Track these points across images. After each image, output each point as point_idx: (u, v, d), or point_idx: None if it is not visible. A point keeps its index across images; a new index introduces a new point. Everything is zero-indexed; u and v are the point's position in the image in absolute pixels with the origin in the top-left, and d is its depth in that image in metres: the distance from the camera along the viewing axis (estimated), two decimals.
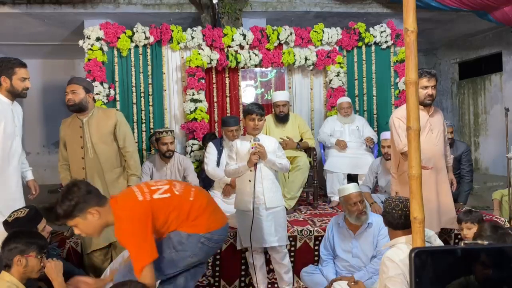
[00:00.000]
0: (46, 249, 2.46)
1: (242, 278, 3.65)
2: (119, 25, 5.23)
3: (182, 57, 5.42)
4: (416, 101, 1.85)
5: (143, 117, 5.39)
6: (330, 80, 5.56)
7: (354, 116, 5.16)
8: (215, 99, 5.57)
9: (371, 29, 5.70)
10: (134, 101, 5.36)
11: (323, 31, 5.56)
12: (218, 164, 4.24)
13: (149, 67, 5.37)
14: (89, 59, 5.08)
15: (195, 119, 5.18)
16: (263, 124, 3.23)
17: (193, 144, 5.18)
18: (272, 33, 5.44)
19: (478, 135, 7.81)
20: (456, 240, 3.81)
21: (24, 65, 2.98)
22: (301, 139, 4.90)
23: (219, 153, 4.26)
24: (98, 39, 5.11)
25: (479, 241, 1.15)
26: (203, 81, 5.27)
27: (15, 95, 2.98)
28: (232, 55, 5.34)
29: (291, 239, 3.58)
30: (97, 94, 5.01)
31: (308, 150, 4.85)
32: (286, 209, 3.75)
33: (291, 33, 5.48)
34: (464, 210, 3.34)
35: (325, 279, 3.15)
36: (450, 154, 3.51)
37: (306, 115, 5.76)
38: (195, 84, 5.19)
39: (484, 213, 4.27)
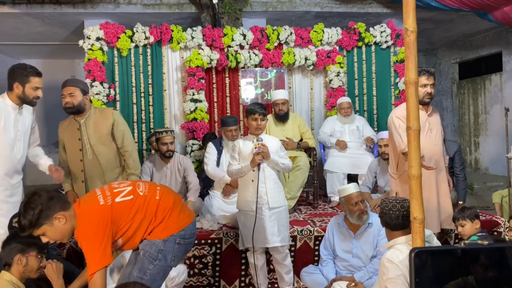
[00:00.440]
0: (46, 249, 2.48)
1: (242, 278, 3.65)
2: (119, 25, 5.23)
3: (182, 57, 5.42)
4: (416, 101, 1.85)
5: (143, 117, 5.39)
6: (330, 80, 5.56)
7: (354, 116, 5.16)
8: (215, 99, 5.57)
9: (371, 29, 5.70)
10: (134, 101, 5.36)
11: (323, 31, 5.56)
12: (218, 164, 4.24)
13: (149, 67, 5.37)
14: (89, 59, 5.08)
15: (195, 119, 5.18)
16: (265, 124, 3.23)
17: (193, 144, 5.18)
18: (272, 33, 5.44)
19: (478, 135, 7.81)
20: (456, 240, 3.81)
21: (39, 75, 2.97)
22: (301, 139, 4.90)
23: (219, 153, 4.26)
24: (98, 39, 5.11)
25: (479, 241, 1.15)
26: (203, 81, 5.27)
27: (25, 102, 2.97)
28: (232, 55, 5.34)
29: (291, 239, 3.58)
30: (97, 94, 5.01)
31: (308, 150, 4.86)
32: None
33: (291, 33, 5.48)
34: (459, 208, 3.34)
35: (325, 279, 3.15)
36: (445, 154, 3.51)
37: (306, 115, 5.76)
38: (195, 84, 5.19)
39: (484, 213, 4.28)
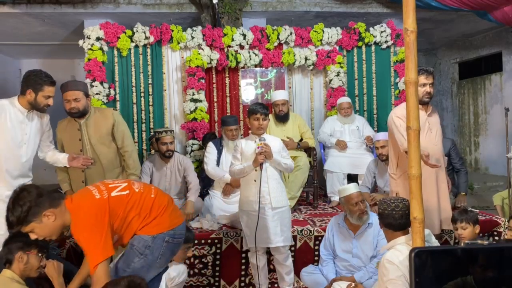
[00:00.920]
0: (47, 249, 2.51)
1: (242, 278, 3.65)
2: (119, 25, 5.23)
3: (182, 57, 5.42)
4: (416, 101, 1.86)
5: (143, 117, 5.39)
6: (330, 80, 5.56)
7: (354, 116, 5.17)
8: (215, 99, 5.57)
9: (371, 29, 5.70)
10: (134, 101, 5.36)
11: (323, 31, 5.56)
12: (218, 163, 4.24)
13: (149, 67, 5.37)
14: (89, 59, 5.08)
15: (195, 119, 5.18)
16: (267, 124, 3.22)
17: (193, 144, 5.18)
18: (272, 33, 5.44)
19: (478, 135, 7.81)
20: (456, 240, 3.81)
21: (53, 84, 2.96)
22: (301, 139, 4.90)
23: (219, 152, 4.26)
24: (98, 39, 5.11)
25: (479, 241, 1.15)
26: (203, 81, 5.27)
27: (35, 108, 2.98)
28: (232, 55, 5.33)
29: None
30: (97, 94, 5.01)
31: (308, 150, 4.86)
32: None
33: (291, 33, 5.48)
34: (460, 209, 3.29)
35: (325, 279, 3.15)
36: (444, 155, 3.51)
37: (306, 115, 5.76)
38: (195, 84, 5.19)
39: (484, 213, 4.28)
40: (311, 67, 5.60)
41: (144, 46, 5.33)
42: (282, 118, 4.80)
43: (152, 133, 5.16)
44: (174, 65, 5.46)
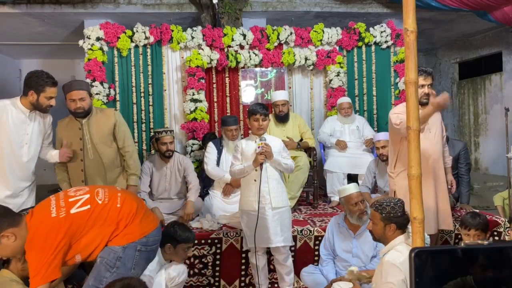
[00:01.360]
0: None
1: (242, 278, 3.65)
2: (119, 25, 5.23)
3: (182, 57, 5.42)
4: (416, 101, 1.86)
5: (143, 117, 5.39)
6: (330, 80, 5.56)
7: (354, 116, 5.17)
8: (215, 99, 5.57)
9: (371, 29, 5.70)
10: (134, 101, 5.36)
11: (323, 31, 5.56)
12: (218, 163, 4.24)
13: (149, 67, 5.37)
14: (89, 59, 5.08)
15: (195, 119, 5.19)
16: (267, 124, 3.22)
17: (193, 144, 5.18)
18: (272, 33, 5.44)
19: (478, 135, 7.81)
20: (456, 240, 3.81)
21: (55, 84, 2.97)
22: (301, 139, 4.90)
23: (219, 152, 4.26)
24: (98, 39, 5.11)
25: (479, 241, 1.15)
26: (203, 81, 5.27)
27: (37, 109, 3.00)
28: (232, 55, 5.34)
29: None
30: (97, 94, 5.01)
31: (308, 150, 4.86)
32: None
33: (291, 33, 5.48)
34: (470, 213, 3.15)
35: (325, 279, 3.15)
36: (448, 154, 3.49)
37: (306, 115, 5.76)
38: (195, 84, 5.19)
39: (484, 213, 4.28)
40: (311, 67, 5.60)
41: (144, 46, 5.33)
42: (282, 119, 4.80)
43: (152, 133, 5.16)
44: (174, 65, 5.46)
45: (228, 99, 5.60)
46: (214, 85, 5.55)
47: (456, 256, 1.14)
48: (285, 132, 4.79)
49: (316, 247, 3.64)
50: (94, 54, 5.08)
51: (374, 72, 5.84)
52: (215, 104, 5.58)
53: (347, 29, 5.68)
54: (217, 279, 3.63)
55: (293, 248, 3.62)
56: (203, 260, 3.60)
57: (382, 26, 5.75)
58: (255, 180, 3.11)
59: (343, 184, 4.43)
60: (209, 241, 3.60)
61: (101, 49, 5.13)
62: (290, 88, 5.74)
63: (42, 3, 5.30)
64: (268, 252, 3.38)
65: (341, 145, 4.83)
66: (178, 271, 2.92)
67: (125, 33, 5.20)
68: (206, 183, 4.42)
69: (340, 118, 5.09)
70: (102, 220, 2.09)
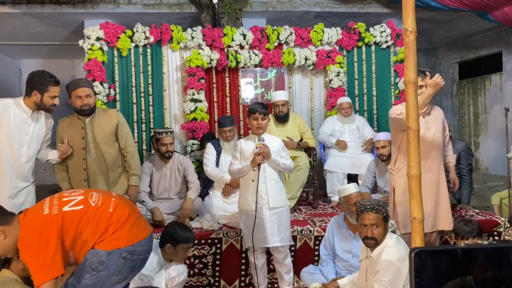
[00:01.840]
0: None
1: (242, 278, 3.65)
2: (119, 25, 5.23)
3: (182, 57, 5.42)
4: (416, 101, 1.86)
5: (143, 117, 5.39)
6: (330, 80, 5.56)
7: (354, 116, 5.17)
8: (215, 99, 5.57)
9: (371, 29, 5.70)
10: (134, 101, 5.36)
11: (323, 31, 5.56)
12: (217, 164, 4.24)
13: (149, 67, 5.37)
14: (89, 59, 5.08)
15: (195, 119, 5.19)
16: (267, 123, 3.23)
17: (193, 144, 5.18)
18: (272, 33, 5.44)
19: (478, 135, 7.81)
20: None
21: (57, 83, 2.98)
22: (301, 139, 4.90)
23: (218, 153, 4.26)
24: (98, 39, 5.11)
25: (479, 241, 1.15)
26: (203, 81, 5.27)
27: (41, 108, 3.00)
28: (232, 55, 5.34)
29: (291, 239, 3.58)
30: (97, 94, 5.01)
31: (308, 150, 4.86)
32: None
33: (291, 33, 5.48)
34: (462, 221, 3.20)
35: (325, 279, 3.15)
36: (452, 153, 3.49)
37: (306, 115, 5.76)
38: (195, 84, 5.19)
39: (484, 213, 4.28)
40: (311, 67, 5.60)
41: (144, 46, 5.33)
42: (282, 119, 4.80)
43: (152, 133, 5.16)
44: (174, 65, 5.46)
45: (228, 99, 5.60)
46: (214, 85, 5.55)
47: (456, 256, 1.14)
48: (285, 132, 4.79)
49: (316, 247, 3.64)
50: (94, 54, 5.08)
51: (374, 72, 5.84)
52: (215, 104, 5.58)
53: (347, 29, 5.68)
54: (217, 279, 3.63)
55: (293, 248, 3.62)
56: (203, 260, 3.60)
57: (382, 26, 5.75)
58: (252, 180, 3.11)
59: (343, 184, 4.43)
60: (209, 241, 3.60)
61: (101, 49, 5.13)
62: (290, 88, 5.74)
63: (42, 3, 5.30)
64: (268, 252, 3.38)
65: (341, 145, 4.83)
66: (178, 271, 2.93)
67: (125, 33, 5.20)
68: (206, 183, 4.42)
69: (340, 118, 5.09)
70: (95, 223, 2.08)
